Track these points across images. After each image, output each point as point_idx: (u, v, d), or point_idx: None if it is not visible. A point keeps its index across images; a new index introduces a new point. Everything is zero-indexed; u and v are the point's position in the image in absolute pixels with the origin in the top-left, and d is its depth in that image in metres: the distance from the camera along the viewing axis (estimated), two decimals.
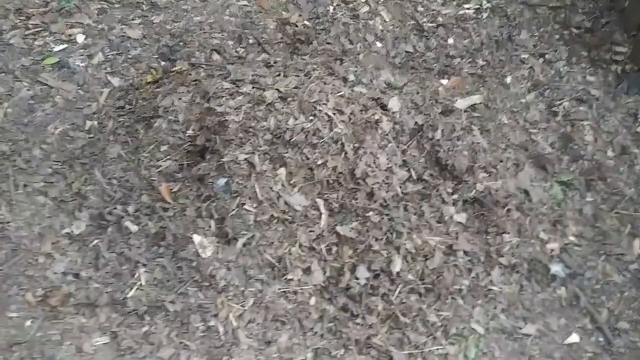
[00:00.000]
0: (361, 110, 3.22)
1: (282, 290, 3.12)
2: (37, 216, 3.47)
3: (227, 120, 3.18)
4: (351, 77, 3.38)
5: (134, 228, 3.32)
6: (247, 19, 4.43)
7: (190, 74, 3.92)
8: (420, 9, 4.59)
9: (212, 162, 3.20)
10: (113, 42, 4.26)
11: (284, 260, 3.12)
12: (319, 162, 3.11)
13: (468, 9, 4.60)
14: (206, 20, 4.40)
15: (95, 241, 3.37)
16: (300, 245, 3.14)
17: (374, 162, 3.17)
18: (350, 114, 3.17)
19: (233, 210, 3.11)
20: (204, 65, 3.99)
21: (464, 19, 4.53)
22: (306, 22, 4.44)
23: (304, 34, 4.32)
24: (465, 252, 3.33)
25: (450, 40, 4.43)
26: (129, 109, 3.87)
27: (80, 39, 4.26)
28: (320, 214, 3.15)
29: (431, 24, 4.50)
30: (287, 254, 3.12)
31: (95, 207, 3.47)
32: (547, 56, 4.34)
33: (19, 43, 4.16)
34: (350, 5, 4.56)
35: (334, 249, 3.15)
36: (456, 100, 3.91)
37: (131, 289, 3.15)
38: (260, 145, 3.13)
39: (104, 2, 4.46)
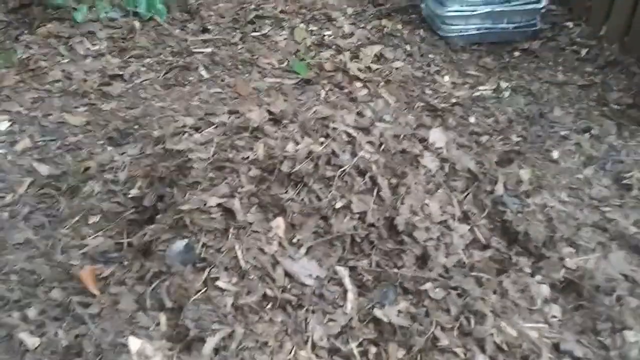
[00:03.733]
0: (395, 136, 1.99)
1: None
2: None
3: (190, 159, 1.90)
4: (368, 114, 2.19)
5: (32, 342, 1.84)
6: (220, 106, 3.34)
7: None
8: (428, 91, 3.61)
9: (166, 218, 1.84)
10: (47, 128, 3.08)
11: None
12: (338, 205, 1.80)
13: (484, 90, 3.64)
14: (169, 106, 3.29)
15: None
16: (314, 347, 1.69)
17: (422, 209, 1.86)
18: (380, 136, 1.93)
19: (198, 290, 1.70)
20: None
21: (483, 98, 3.55)
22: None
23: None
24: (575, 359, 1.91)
25: (472, 119, 3.38)
26: (54, 195, 2.56)
27: (4, 125, 3.08)
28: (345, 290, 1.76)
29: (445, 104, 3.48)
30: None
31: None
32: (592, 131, 3.33)
33: None
34: (346, 90, 3.55)
35: (373, 349, 1.70)
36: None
37: None
38: (242, 184, 1.82)
39: (42, 91, 3.35)
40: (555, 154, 3.15)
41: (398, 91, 3.55)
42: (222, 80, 3.56)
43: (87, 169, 2.74)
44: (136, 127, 3.08)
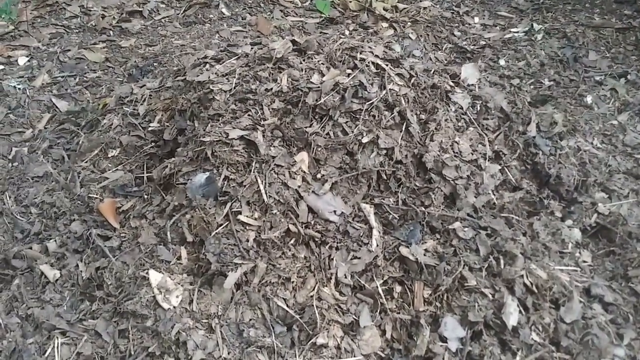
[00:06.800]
0: (425, 70, 1.88)
1: None
2: None
3: (211, 91, 1.83)
4: (397, 49, 2.08)
5: (52, 275, 1.83)
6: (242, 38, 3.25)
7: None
8: (457, 32, 3.46)
9: (187, 151, 1.79)
10: (65, 64, 3.01)
11: (310, 312, 1.60)
12: (364, 139, 1.72)
13: (516, 32, 3.49)
14: (189, 44, 3.19)
15: None
16: (337, 284, 1.64)
17: (452, 147, 1.78)
18: (410, 69, 1.83)
19: (219, 224, 1.65)
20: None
21: (514, 41, 3.40)
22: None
23: None
24: (605, 305, 1.84)
25: (502, 62, 3.24)
26: (73, 130, 2.51)
27: (22, 61, 3.02)
28: (370, 228, 1.70)
29: (474, 46, 3.34)
30: (316, 299, 1.62)
31: None
32: (629, 77, 3.16)
33: None
34: (371, 30, 3.42)
35: (398, 288, 1.65)
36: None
37: None
38: (265, 117, 1.74)
39: (60, 27, 3.26)
40: (589, 99, 3.02)
41: (426, 32, 3.41)
42: (244, 19, 3.45)
43: (105, 105, 2.69)
44: (156, 64, 3.01)
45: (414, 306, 1.63)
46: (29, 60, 3.04)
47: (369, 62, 1.75)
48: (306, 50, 1.85)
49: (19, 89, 2.84)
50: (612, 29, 3.48)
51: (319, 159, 1.72)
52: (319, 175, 1.71)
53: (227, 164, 1.69)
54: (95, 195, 1.96)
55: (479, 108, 1.94)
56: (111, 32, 3.29)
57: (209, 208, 1.68)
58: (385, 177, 1.75)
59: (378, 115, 1.73)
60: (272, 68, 1.80)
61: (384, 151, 1.73)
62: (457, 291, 1.63)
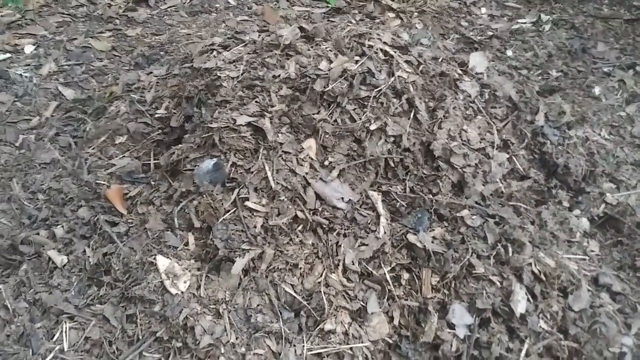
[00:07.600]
0: (434, 58, 1.87)
1: (315, 352, 1.57)
2: None
3: (219, 78, 1.82)
4: (405, 37, 2.07)
5: (60, 260, 1.83)
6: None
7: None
8: (464, 23, 3.44)
9: (194, 137, 1.78)
10: (72, 53, 3.00)
11: (317, 298, 1.60)
12: (372, 126, 1.71)
13: (523, 23, 3.47)
14: (195, 33, 3.19)
15: None
16: (345, 270, 1.64)
17: (460, 135, 1.77)
18: (419, 57, 1.82)
19: (227, 210, 1.65)
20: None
21: (522, 32, 3.38)
22: None
23: None
24: (613, 295, 1.84)
25: (510, 53, 3.23)
26: (80, 117, 2.51)
27: (29, 49, 3.02)
28: (378, 215, 1.69)
29: (481, 37, 3.32)
30: (323, 285, 1.62)
31: (4, 236, 1.99)
32: (637, 68, 3.15)
33: None
34: (378, 20, 3.40)
35: (406, 275, 1.65)
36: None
37: None
38: (273, 103, 1.74)
39: (66, 16, 3.26)
40: (597, 91, 3.01)
41: (432, 22, 3.40)
42: (250, 8, 3.44)
43: (112, 93, 2.69)
44: (162, 53, 3.01)
45: (422, 293, 1.63)
46: (35, 49, 3.04)
47: (377, 49, 1.75)
48: (314, 37, 1.84)
49: (26, 77, 2.84)
50: (621, 20, 3.47)
51: (327, 146, 1.71)
52: (326, 162, 1.71)
53: (235, 151, 1.69)
54: (102, 182, 1.96)
55: (487, 96, 1.93)
56: (117, 21, 3.29)
57: (217, 194, 1.67)
58: (393, 165, 1.74)
59: (386, 103, 1.72)
60: (279, 55, 1.80)
61: (392, 138, 1.72)
62: (465, 278, 1.62)
